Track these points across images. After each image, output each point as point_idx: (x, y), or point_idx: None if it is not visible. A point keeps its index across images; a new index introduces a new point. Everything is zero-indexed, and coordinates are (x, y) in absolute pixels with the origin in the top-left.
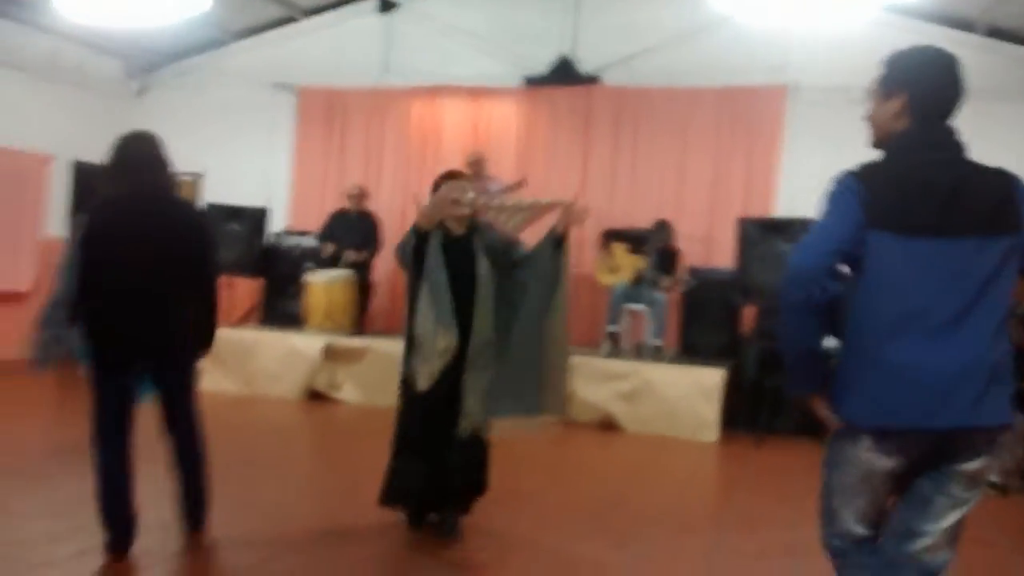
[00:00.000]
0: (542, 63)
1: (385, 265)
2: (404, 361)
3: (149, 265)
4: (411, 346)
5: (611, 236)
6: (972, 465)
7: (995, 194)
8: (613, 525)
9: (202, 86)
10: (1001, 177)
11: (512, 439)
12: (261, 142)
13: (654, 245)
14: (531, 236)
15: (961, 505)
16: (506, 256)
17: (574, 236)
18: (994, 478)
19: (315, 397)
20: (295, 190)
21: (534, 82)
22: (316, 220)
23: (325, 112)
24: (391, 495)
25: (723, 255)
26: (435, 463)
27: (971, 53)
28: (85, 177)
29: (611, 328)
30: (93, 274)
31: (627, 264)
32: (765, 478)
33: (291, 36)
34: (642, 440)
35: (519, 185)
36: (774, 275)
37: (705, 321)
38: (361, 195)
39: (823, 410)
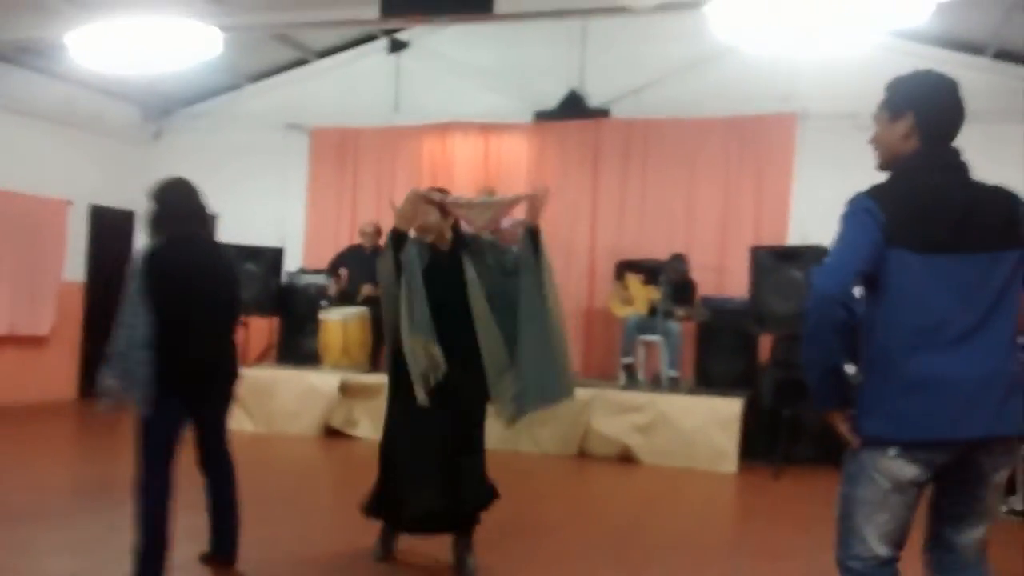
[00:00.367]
0: (551, 98)
1: None
2: (389, 376)
3: (205, 304)
4: (395, 361)
5: (625, 268)
6: (995, 473)
7: (1003, 211)
8: (631, 556)
9: (216, 129)
10: (1005, 194)
11: (532, 469)
12: (275, 182)
13: (669, 276)
14: None
15: (989, 514)
16: (501, 266)
17: (586, 268)
18: (1019, 505)
19: (332, 434)
20: (309, 229)
21: (543, 116)
22: (330, 259)
23: (337, 152)
24: (376, 506)
25: (736, 284)
26: (432, 479)
27: (979, 76)
28: (103, 221)
29: (626, 360)
30: (162, 314)
31: (641, 295)
32: (784, 507)
33: (303, 78)
34: (660, 472)
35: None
36: (788, 303)
37: (721, 351)
38: (376, 232)
39: (844, 426)
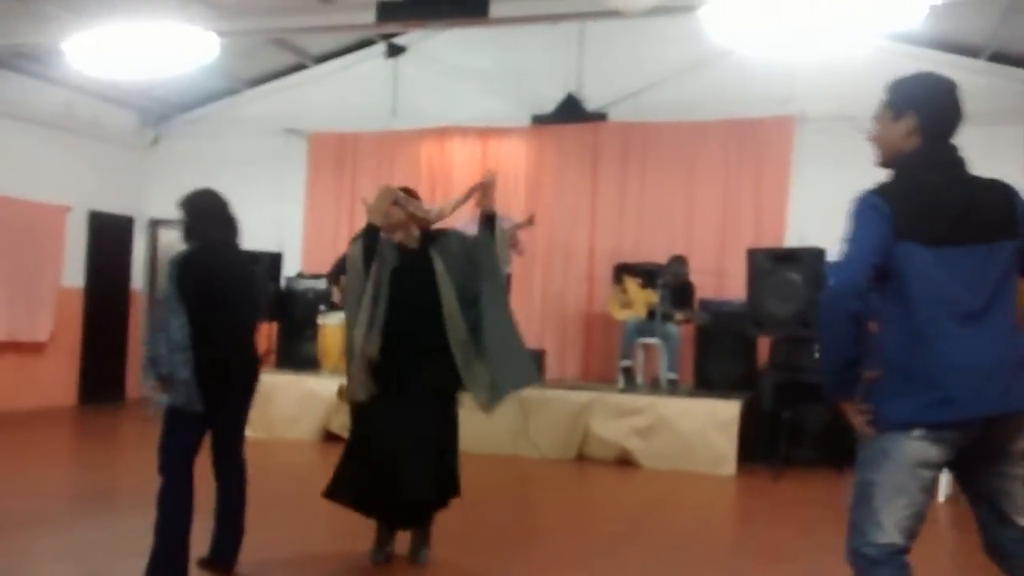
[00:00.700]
0: (549, 101)
1: None
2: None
3: (233, 308)
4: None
5: (623, 271)
6: (1011, 444)
7: (1000, 205)
8: (630, 560)
9: (214, 134)
10: (1003, 188)
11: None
12: (273, 187)
13: (667, 279)
14: None
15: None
16: (471, 261)
17: (585, 272)
18: None
19: (331, 439)
20: (307, 234)
21: (541, 120)
22: (328, 263)
23: (336, 156)
24: (338, 490)
25: (735, 287)
26: (415, 468)
27: (975, 78)
28: (102, 227)
29: (624, 363)
30: (192, 317)
31: (640, 299)
32: (784, 510)
33: (301, 83)
34: (659, 475)
35: (529, 223)
36: (786, 306)
37: (720, 354)
38: None
39: (857, 416)
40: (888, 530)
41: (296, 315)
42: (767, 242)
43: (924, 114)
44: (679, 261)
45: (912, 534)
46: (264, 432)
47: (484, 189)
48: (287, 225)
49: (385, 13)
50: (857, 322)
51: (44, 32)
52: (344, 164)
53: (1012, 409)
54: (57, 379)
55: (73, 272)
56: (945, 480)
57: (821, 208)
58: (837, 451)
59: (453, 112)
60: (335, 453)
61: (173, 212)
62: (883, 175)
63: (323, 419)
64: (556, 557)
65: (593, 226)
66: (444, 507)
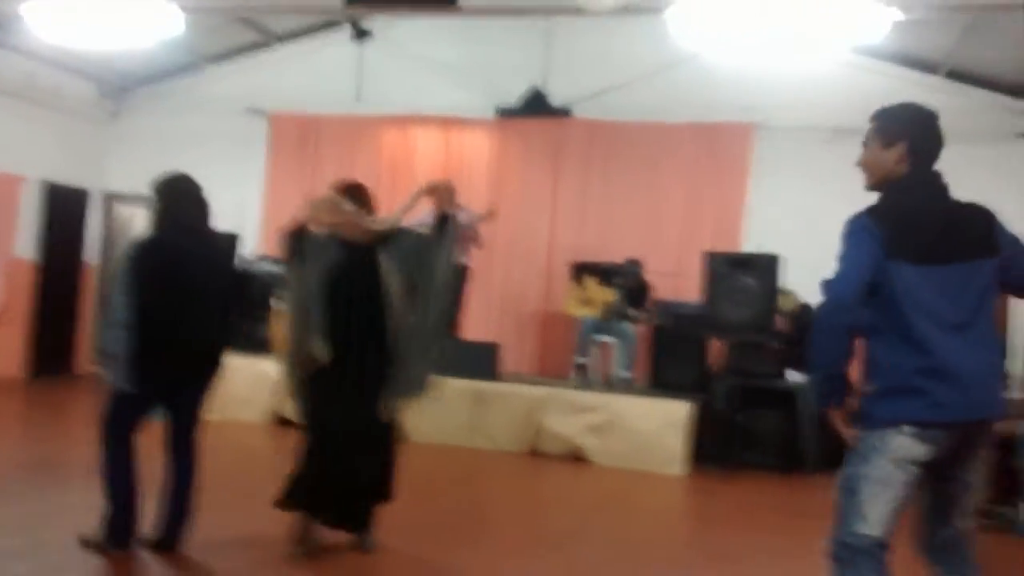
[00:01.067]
0: (514, 95)
1: None
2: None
3: (197, 293)
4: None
5: (582, 269)
6: (981, 451)
7: (981, 225)
8: (578, 555)
9: (175, 110)
10: (982, 211)
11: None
12: (233, 167)
13: (624, 279)
14: None
15: (974, 498)
16: (425, 263)
17: (544, 268)
18: None
19: (283, 423)
20: (266, 215)
21: (506, 113)
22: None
23: (297, 138)
24: (294, 500)
25: (693, 289)
26: (341, 468)
27: (932, 95)
28: (57, 199)
29: (580, 360)
30: (152, 300)
31: (598, 297)
32: (734, 512)
33: (264, 62)
34: (610, 473)
35: (490, 215)
36: (740, 310)
37: (675, 355)
38: None
39: (844, 424)
40: (871, 522)
41: (250, 296)
42: (725, 246)
43: (915, 143)
44: (633, 263)
45: (891, 532)
46: (217, 413)
47: (440, 192)
48: (247, 206)
49: None
50: (850, 335)
51: None
52: (306, 146)
53: (994, 414)
54: (6, 351)
55: (26, 243)
56: None
57: (779, 215)
58: (788, 456)
59: (417, 100)
60: (285, 437)
61: (130, 186)
62: (838, 189)
63: (275, 402)
64: (503, 549)
65: (554, 222)
66: (387, 500)
